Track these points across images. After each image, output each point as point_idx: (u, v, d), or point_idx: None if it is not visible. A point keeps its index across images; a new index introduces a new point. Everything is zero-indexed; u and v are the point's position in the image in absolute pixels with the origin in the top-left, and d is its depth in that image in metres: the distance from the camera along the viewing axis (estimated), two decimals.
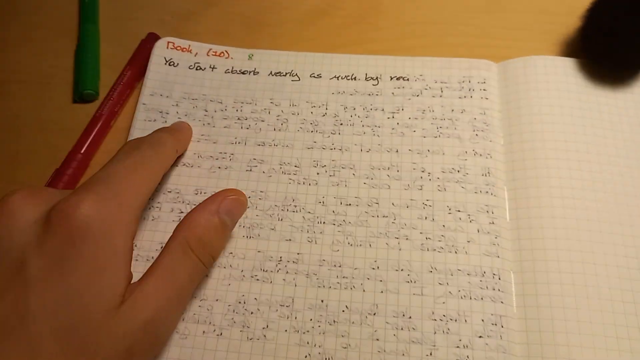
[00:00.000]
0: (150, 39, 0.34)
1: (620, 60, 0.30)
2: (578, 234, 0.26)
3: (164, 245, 0.24)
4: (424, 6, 0.36)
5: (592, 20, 0.30)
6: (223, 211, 0.24)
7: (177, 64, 0.33)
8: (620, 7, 0.29)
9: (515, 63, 0.31)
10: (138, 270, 0.26)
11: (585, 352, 0.23)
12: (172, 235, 0.24)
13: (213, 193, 0.28)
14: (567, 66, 0.31)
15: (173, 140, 0.27)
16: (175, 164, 0.29)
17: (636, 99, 0.30)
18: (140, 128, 0.30)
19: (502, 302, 0.24)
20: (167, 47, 0.33)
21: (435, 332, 0.24)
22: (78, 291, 0.20)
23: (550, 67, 0.31)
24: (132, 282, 0.22)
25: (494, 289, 0.25)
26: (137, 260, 0.26)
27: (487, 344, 0.23)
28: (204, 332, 0.24)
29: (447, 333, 0.24)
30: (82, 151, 0.30)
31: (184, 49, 0.33)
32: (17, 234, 0.20)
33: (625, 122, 0.29)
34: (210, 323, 0.25)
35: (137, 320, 0.21)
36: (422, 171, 0.28)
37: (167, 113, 0.31)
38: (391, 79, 0.31)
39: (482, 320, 0.24)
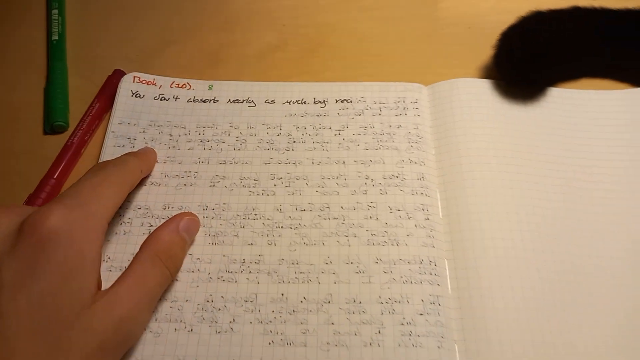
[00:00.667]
0: (116, 75, 0.38)
1: (524, 81, 0.35)
2: (501, 225, 0.30)
3: None
4: (365, 42, 0.40)
5: (501, 48, 0.36)
6: (183, 229, 0.28)
7: (143, 95, 0.36)
8: (523, 38, 0.35)
9: (442, 85, 0.36)
10: (112, 279, 0.28)
11: (511, 324, 0.27)
12: (139, 250, 0.26)
13: (180, 207, 0.31)
14: (485, 87, 0.36)
15: (137, 160, 0.30)
16: (143, 183, 0.32)
17: (544, 112, 0.36)
18: (110, 153, 0.33)
19: (438, 285, 0.28)
20: (133, 81, 0.36)
21: (382, 313, 0.27)
22: (50, 293, 0.22)
23: (471, 87, 0.36)
24: (103, 289, 0.25)
25: (431, 274, 0.28)
26: (110, 270, 0.29)
27: (427, 320, 0.27)
28: (175, 329, 0.27)
29: (393, 313, 0.27)
30: (55, 177, 0.33)
31: (149, 82, 0.37)
32: None
33: (535, 133, 0.35)
34: (181, 321, 0.27)
35: (110, 317, 0.23)
36: (366, 178, 0.32)
37: (135, 139, 0.34)
38: (336, 101, 0.36)
39: (422, 301, 0.27)
